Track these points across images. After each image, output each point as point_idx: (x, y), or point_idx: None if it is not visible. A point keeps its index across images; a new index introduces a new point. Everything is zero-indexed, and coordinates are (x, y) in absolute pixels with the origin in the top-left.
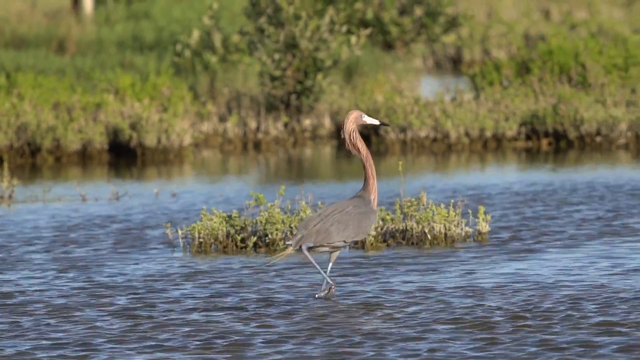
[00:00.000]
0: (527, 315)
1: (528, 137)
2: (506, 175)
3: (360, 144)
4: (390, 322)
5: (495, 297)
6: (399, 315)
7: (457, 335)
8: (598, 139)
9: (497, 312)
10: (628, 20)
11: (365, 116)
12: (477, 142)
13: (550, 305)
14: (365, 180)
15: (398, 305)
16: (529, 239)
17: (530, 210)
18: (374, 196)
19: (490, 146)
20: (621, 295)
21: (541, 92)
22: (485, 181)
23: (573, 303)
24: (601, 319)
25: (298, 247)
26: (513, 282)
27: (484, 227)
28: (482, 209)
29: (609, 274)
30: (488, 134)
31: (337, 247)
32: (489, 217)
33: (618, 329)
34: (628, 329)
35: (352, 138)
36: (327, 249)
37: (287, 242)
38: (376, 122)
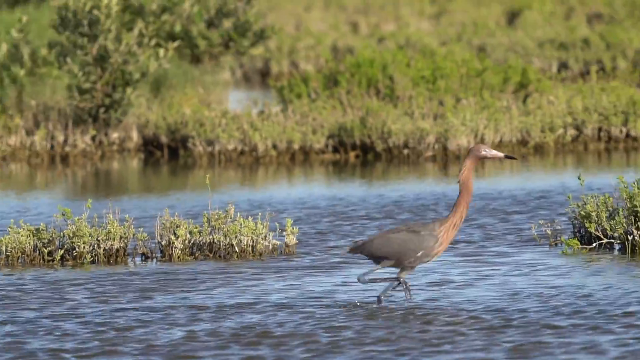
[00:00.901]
0: (333, 331)
1: (336, 150)
2: (314, 188)
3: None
4: (184, 339)
5: (302, 311)
6: (196, 332)
7: (258, 353)
8: (405, 151)
9: (299, 327)
10: (436, 32)
11: (486, 150)
12: (284, 155)
13: (357, 321)
14: (453, 214)
15: (195, 321)
16: (337, 252)
17: (337, 224)
18: (445, 235)
19: (298, 159)
20: (417, 309)
21: (349, 104)
22: (293, 194)
23: (375, 318)
24: (404, 334)
25: (353, 252)
26: (320, 297)
27: (292, 240)
28: (289, 221)
29: (416, 289)
30: (296, 146)
31: (396, 265)
32: (296, 230)
33: (410, 346)
34: (416, 345)
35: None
36: (382, 263)
37: (351, 246)
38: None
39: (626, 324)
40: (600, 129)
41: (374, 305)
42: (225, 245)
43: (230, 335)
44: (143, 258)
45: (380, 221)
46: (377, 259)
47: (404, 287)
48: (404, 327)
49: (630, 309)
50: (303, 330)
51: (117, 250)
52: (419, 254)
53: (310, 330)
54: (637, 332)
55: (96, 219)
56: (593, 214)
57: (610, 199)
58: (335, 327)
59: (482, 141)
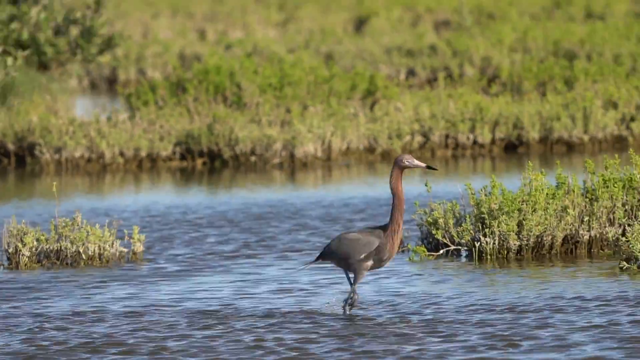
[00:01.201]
0: (168, 340)
1: (183, 157)
2: (161, 196)
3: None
4: (28, 348)
5: (140, 320)
6: (21, 343)
7: None
8: (253, 158)
9: (131, 336)
10: (284, 39)
11: (409, 160)
12: (132, 162)
13: (196, 330)
14: (390, 223)
15: (27, 331)
16: (182, 260)
17: (184, 231)
18: (390, 241)
19: (145, 166)
20: (263, 318)
21: (196, 111)
22: (140, 201)
23: (215, 327)
24: (251, 338)
25: (318, 259)
26: (162, 305)
27: (139, 247)
28: (136, 229)
29: (264, 296)
30: (143, 153)
31: (349, 267)
32: (143, 237)
33: (252, 356)
34: (272, 347)
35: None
36: (341, 265)
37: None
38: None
39: (451, 333)
40: (447, 136)
41: (228, 314)
42: (72, 253)
43: (55, 343)
44: None
45: (225, 229)
46: (336, 261)
47: (350, 300)
48: (247, 335)
49: (461, 317)
50: (133, 339)
51: None
52: (364, 255)
53: (140, 339)
54: (464, 338)
55: None
56: (440, 220)
57: (458, 205)
58: (180, 335)
59: (330, 148)
